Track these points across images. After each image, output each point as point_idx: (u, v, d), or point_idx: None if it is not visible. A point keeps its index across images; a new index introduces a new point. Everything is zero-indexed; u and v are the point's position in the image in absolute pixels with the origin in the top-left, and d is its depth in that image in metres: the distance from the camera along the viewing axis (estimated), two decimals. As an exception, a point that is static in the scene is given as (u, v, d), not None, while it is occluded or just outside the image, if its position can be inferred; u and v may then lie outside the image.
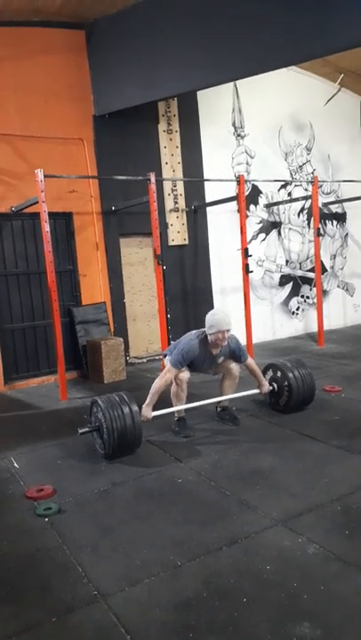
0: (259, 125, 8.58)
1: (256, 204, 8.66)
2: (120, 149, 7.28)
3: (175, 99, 7.61)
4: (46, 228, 5.72)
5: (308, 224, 9.23)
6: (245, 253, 7.24)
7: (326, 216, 9.52)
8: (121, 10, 6.42)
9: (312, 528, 2.85)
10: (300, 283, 9.27)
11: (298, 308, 9.26)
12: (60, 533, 2.98)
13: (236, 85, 8.28)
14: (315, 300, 8.73)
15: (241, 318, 7.25)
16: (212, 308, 7.03)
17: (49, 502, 3.34)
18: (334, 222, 9.69)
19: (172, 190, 7.80)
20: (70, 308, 6.98)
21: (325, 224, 9.51)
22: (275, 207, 8.86)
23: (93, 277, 7.19)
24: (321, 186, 9.22)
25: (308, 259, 9.30)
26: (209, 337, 4.29)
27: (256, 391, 4.74)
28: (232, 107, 8.36)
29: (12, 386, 6.58)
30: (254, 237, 8.62)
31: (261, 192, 8.71)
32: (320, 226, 8.39)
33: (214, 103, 8.10)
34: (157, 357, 7.37)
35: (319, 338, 8.12)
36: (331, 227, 9.64)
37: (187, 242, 7.99)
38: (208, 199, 8.05)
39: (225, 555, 2.66)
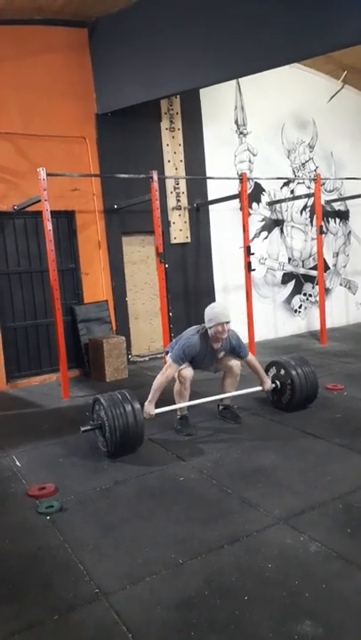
0: (261, 123, 8.56)
1: (259, 201, 8.64)
2: (122, 147, 7.27)
3: (178, 96, 7.60)
4: (49, 226, 5.72)
5: (311, 222, 9.20)
6: (248, 251, 7.23)
7: (329, 214, 9.49)
8: (123, 8, 6.41)
9: (314, 526, 2.85)
10: (302, 281, 9.25)
11: (300, 306, 9.25)
12: (62, 531, 2.98)
13: (238, 83, 8.26)
14: (317, 298, 8.71)
15: (243, 316, 7.25)
16: (214, 306, 7.01)
17: (51, 500, 3.34)
18: (337, 220, 9.66)
19: (175, 188, 7.79)
20: (72, 306, 6.98)
21: (328, 222, 9.48)
22: (277, 205, 8.84)
23: (95, 276, 7.19)
24: (324, 183, 9.19)
25: (310, 256, 9.28)
26: (209, 331, 4.29)
27: (258, 388, 4.73)
28: (235, 104, 8.34)
29: (14, 384, 6.59)
30: (257, 235, 8.60)
31: (264, 190, 8.69)
32: (323, 223, 8.36)
33: (217, 101, 8.08)
34: (159, 356, 7.36)
35: (322, 336, 8.11)
36: (333, 224, 9.61)
37: (189, 240, 7.98)
38: (210, 197, 8.04)
39: (227, 553, 2.67)
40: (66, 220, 6.96)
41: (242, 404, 4.96)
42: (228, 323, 4.26)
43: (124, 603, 2.34)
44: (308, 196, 8.56)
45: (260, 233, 8.68)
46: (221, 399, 4.73)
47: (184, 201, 7.88)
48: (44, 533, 2.98)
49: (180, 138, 7.78)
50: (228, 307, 4.40)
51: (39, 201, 5.75)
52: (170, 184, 7.72)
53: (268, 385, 4.71)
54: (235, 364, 4.55)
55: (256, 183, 8.53)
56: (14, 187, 6.48)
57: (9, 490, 3.61)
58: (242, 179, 7.24)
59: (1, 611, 2.35)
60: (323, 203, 8.87)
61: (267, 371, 4.87)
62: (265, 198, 8.71)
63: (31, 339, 6.83)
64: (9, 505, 3.39)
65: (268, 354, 6.99)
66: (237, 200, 7.61)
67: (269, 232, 8.82)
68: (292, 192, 9.02)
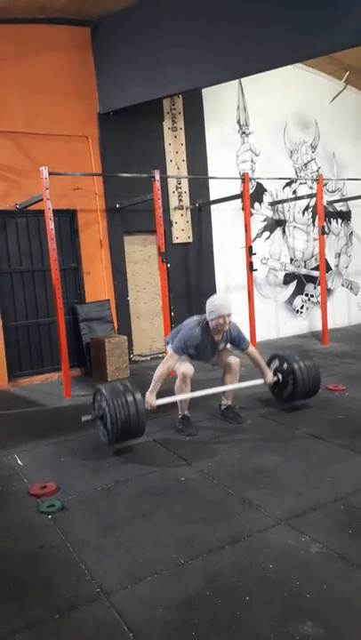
0: (264, 123, 8.55)
1: (261, 201, 8.63)
2: (125, 147, 7.27)
3: (180, 96, 7.60)
4: (51, 225, 5.72)
5: (313, 222, 9.20)
6: (250, 251, 7.22)
7: (331, 214, 9.49)
8: (125, 7, 6.41)
9: (315, 527, 2.84)
10: (304, 281, 9.24)
11: (302, 307, 9.24)
12: (63, 531, 2.98)
13: (241, 83, 8.25)
14: (319, 299, 8.71)
15: (245, 316, 7.24)
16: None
17: (52, 499, 3.34)
18: (339, 220, 9.66)
19: (177, 188, 7.79)
20: (74, 305, 6.98)
21: (330, 222, 9.47)
22: (279, 205, 8.84)
23: (97, 275, 7.19)
24: (326, 184, 9.18)
25: (312, 257, 9.27)
26: (210, 323, 4.29)
27: (260, 381, 4.69)
28: (237, 104, 8.33)
29: (15, 383, 6.59)
30: (259, 235, 8.60)
31: (266, 190, 8.69)
32: (325, 224, 8.35)
33: (219, 101, 8.08)
34: (161, 355, 7.37)
35: (323, 336, 8.10)
36: (335, 225, 9.60)
37: (191, 239, 7.98)
38: (212, 197, 8.03)
39: (228, 553, 2.66)
40: (68, 219, 6.97)
41: (244, 403, 4.96)
42: (229, 315, 4.25)
43: (125, 602, 2.34)
44: (310, 196, 8.55)
45: (262, 233, 8.68)
46: (223, 398, 4.73)
47: (186, 201, 7.88)
48: (45, 532, 2.98)
49: (182, 137, 7.78)
50: (229, 299, 4.39)
51: (41, 200, 5.75)
52: (172, 184, 7.72)
53: (270, 378, 4.66)
54: (234, 361, 4.54)
55: (258, 183, 8.53)
56: (16, 185, 6.48)
57: (10, 489, 3.61)
58: (244, 179, 7.23)
59: (2, 609, 2.36)
60: (325, 203, 8.86)
61: (268, 364, 4.83)
62: (267, 198, 8.70)
63: (33, 338, 6.83)
64: (10, 504, 3.39)
65: (270, 354, 6.96)
66: (239, 200, 7.61)
67: (271, 232, 8.81)
68: (294, 192, 9.01)
